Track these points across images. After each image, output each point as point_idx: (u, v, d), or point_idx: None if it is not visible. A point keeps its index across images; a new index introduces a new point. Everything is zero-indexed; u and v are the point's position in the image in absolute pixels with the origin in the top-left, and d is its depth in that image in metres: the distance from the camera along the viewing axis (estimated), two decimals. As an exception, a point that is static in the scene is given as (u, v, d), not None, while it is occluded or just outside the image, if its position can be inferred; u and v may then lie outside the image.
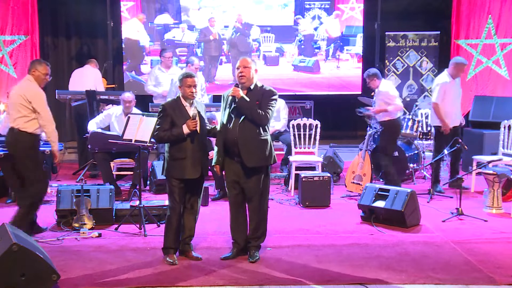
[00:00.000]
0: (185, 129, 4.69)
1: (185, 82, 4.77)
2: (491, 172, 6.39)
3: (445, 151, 7.14)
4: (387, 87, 7.31)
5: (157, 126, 4.82)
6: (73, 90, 8.90)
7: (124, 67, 10.46)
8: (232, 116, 4.69)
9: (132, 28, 10.45)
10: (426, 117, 8.54)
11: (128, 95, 7.31)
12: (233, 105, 4.68)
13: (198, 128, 4.74)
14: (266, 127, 4.75)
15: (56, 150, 5.48)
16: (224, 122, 4.74)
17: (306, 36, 10.67)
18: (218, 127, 4.88)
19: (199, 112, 4.82)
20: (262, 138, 4.72)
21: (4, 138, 5.53)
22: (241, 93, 4.63)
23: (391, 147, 7.33)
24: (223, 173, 4.94)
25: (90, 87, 8.57)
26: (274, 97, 4.74)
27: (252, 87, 4.73)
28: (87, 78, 8.99)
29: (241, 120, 4.65)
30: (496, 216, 6.30)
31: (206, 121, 4.96)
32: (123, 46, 10.45)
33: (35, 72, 5.37)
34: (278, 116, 8.27)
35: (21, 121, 5.27)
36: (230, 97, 4.71)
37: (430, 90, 10.13)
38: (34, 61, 5.57)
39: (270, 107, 4.70)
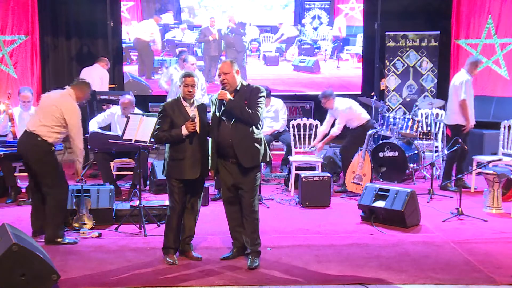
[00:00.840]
0: (184, 131, 4.68)
1: (184, 81, 4.76)
2: (491, 172, 6.40)
3: (445, 151, 7.17)
4: (347, 105, 7.55)
5: (157, 127, 4.82)
6: None
7: (127, 68, 10.48)
8: (223, 118, 4.69)
9: (147, 29, 10.46)
10: (426, 117, 8.54)
11: (125, 97, 7.29)
12: (222, 108, 4.67)
13: (197, 129, 4.74)
14: (258, 125, 4.75)
15: (79, 168, 5.47)
16: (215, 126, 4.73)
17: (289, 39, 10.68)
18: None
19: (199, 113, 4.81)
20: (256, 137, 4.71)
21: (18, 141, 5.49)
22: (229, 96, 4.62)
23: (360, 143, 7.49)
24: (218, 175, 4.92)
25: (95, 87, 8.55)
26: (261, 94, 4.73)
27: (238, 88, 4.72)
28: (93, 78, 8.97)
29: (232, 122, 4.65)
30: (496, 216, 6.30)
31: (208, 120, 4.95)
32: (124, 45, 10.47)
33: (81, 94, 5.42)
34: (277, 117, 8.27)
35: (45, 130, 5.25)
36: (219, 100, 4.70)
37: (430, 90, 10.16)
38: (85, 82, 5.59)
39: (259, 105, 4.69)
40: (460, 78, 7.40)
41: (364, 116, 7.65)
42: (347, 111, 7.52)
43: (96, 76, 9.01)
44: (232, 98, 4.62)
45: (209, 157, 4.81)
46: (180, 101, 4.81)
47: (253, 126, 4.69)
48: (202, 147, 4.79)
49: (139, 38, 10.53)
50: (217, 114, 4.72)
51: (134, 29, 10.52)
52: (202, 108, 4.89)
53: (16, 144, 6.68)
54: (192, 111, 4.77)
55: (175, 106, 4.79)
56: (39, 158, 5.29)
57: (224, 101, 4.63)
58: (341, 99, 7.70)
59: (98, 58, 9.39)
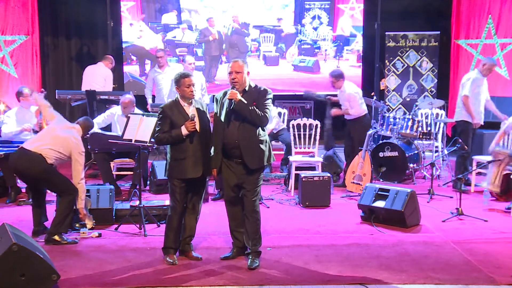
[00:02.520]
0: (184, 130, 4.68)
1: (184, 82, 4.76)
2: (504, 151, 6.32)
3: (445, 151, 7.17)
4: (356, 89, 7.68)
5: (157, 128, 4.82)
6: (84, 88, 8.86)
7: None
8: (230, 118, 4.69)
9: (152, 42, 10.49)
10: (426, 117, 8.54)
11: (126, 97, 7.29)
12: (230, 108, 4.66)
13: (197, 128, 4.74)
14: (264, 127, 4.76)
15: (81, 207, 5.47)
16: (221, 125, 4.73)
17: (288, 36, 10.68)
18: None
19: (199, 112, 4.81)
20: (261, 138, 4.73)
21: (15, 159, 5.43)
22: (239, 96, 4.62)
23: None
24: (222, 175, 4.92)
25: (99, 87, 8.54)
26: (269, 96, 4.74)
27: (246, 88, 4.72)
28: (97, 77, 8.95)
29: (240, 122, 4.65)
30: (496, 215, 6.29)
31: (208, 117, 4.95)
32: (124, 45, 10.47)
33: (85, 132, 5.72)
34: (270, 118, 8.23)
35: (47, 151, 5.30)
36: (227, 100, 4.69)
37: (430, 90, 10.17)
38: (90, 121, 5.84)
39: (267, 107, 4.70)
40: (468, 76, 7.50)
41: (364, 108, 7.71)
42: (354, 95, 7.58)
43: (100, 75, 8.99)
44: (242, 99, 4.62)
45: (212, 156, 4.81)
46: (179, 102, 4.82)
47: (259, 128, 4.70)
48: (203, 146, 4.79)
49: (142, 46, 10.52)
50: (223, 113, 4.71)
51: (138, 40, 10.52)
52: (203, 108, 4.89)
53: (16, 145, 6.72)
54: (191, 112, 4.77)
55: (174, 107, 4.80)
56: (40, 175, 5.33)
57: (233, 101, 4.62)
58: (351, 83, 7.81)
59: (103, 57, 9.37)
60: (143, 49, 10.56)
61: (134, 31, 10.54)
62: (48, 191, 5.88)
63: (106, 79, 9.05)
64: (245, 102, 4.61)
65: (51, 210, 5.98)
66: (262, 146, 4.73)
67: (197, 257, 4.89)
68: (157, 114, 4.90)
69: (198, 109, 4.83)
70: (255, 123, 4.65)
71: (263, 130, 4.76)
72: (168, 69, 8.94)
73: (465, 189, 7.20)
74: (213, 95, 9.01)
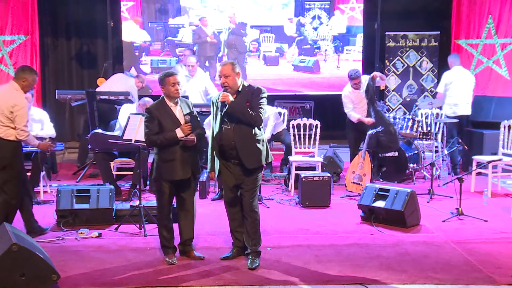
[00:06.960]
0: (179, 133, 4.68)
1: (168, 81, 4.73)
2: None
3: (445, 151, 7.16)
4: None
5: (146, 130, 4.79)
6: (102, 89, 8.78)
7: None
8: (225, 120, 4.69)
9: (126, 30, 10.42)
10: (426, 117, 8.54)
11: (147, 101, 7.22)
12: (224, 110, 4.66)
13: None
14: (260, 126, 4.75)
15: (36, 145, 5.34)
16: (217, 127, 4.72)
17: (292, 38, 10.69)
18: (210, 133, 4.86)
19: (190, 113, 4.81)
20: (258, 138, 4.72)
21: None
22: (231, 98, 4.62)
23: None
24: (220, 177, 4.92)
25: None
26: (263, 95, 4.73)
27: (240, 89, 4.71)
28: (120, 84, 8.76)
29: (235, 123, 4.65)
30: (496, 215, 6.28)
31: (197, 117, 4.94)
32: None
33: (25, 82, 5.19)
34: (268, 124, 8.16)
35: (4, 129, 5.12)
36: (220, 102, 4.69)
37: (430, 90, 10.16)
38: (24, 69, 5.32)
39: (261, 106, 4.69)
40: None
41: None
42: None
43: (125, 86, 8.80)
44: (234, 100, 4.62)
45: (210, 159, 4.81)
46: (165, 102, 4.80)
47: (255, 127, 4.70)
48: (191, 146, 4.77)
49: (124, 41, 10.47)
50: (219, 115, 4.71)
51: (128, 36, 10.45)
52: (187, 104, 4.88)
53: None
54: (184, 114, 4.76)
55: (161, 108, 4.78)
56: (4, 161, 5.13)
57: (226, 103, 4.62)
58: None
59: (138, 75, 9.27)
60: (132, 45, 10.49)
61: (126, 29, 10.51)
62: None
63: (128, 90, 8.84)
64: (237, 103, 4.61)
65: (51, 210, 6.01)
66: (259, 146, 4.72)
67: (199, 256, 4.89)
68: (145, 115, 4.85)
69: (184, 109, 4.82)
70: (249, 123, 4.64)
71: (259, 129, 4.76)
72: (197, 73, 8.84)
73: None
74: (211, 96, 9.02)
